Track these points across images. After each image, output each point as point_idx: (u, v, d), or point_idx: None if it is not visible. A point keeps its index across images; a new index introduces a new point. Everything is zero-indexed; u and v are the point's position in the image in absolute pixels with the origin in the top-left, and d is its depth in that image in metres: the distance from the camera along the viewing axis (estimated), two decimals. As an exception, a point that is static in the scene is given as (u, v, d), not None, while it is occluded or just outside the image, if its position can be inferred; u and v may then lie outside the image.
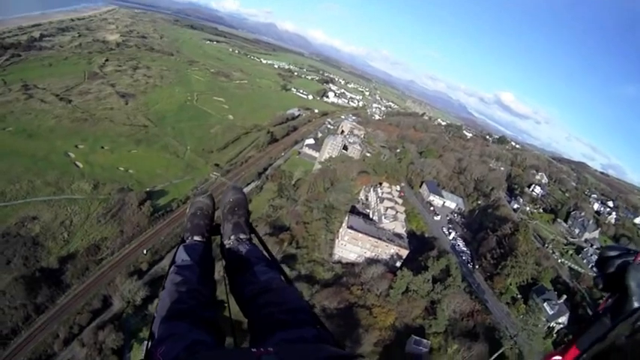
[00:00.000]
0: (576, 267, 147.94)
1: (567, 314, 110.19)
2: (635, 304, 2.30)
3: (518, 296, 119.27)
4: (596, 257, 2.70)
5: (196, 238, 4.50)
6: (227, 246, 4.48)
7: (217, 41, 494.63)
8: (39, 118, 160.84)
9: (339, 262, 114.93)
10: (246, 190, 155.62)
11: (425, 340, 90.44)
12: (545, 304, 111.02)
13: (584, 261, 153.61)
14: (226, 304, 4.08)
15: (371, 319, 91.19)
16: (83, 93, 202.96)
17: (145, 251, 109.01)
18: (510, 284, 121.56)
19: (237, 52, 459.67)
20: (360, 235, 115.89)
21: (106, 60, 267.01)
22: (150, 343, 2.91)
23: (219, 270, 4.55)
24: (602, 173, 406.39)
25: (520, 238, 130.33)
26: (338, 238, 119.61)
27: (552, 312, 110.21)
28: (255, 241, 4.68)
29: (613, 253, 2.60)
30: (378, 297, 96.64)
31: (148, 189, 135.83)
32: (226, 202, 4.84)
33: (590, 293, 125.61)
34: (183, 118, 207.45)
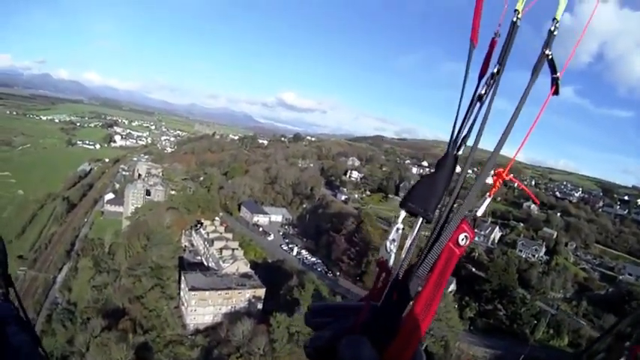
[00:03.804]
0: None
1: (454, 281, 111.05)
2: None
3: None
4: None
5: None
6: None
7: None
8: None
9: (197, 330, 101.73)
10: (60, 276, 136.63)
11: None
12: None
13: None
14: None
15: (272, 384, 79.68)
16: None
17: None
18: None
19: (15, 113, 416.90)
20: (207, 293, 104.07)
21: None
22: None
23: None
24: (399, 139, 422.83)
25: (369, 229, 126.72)
26: (184, 304, 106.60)
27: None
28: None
29: (319, 320, 2.11)
30: (263, 356, 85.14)
31: None
32: None
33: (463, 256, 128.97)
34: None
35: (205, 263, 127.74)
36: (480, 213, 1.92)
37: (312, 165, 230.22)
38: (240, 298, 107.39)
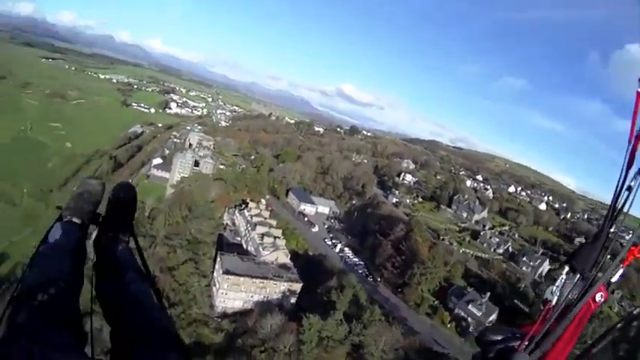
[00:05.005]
0: (480, 254, 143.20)
1: (496, 311, 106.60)
2: None
3: (436, 303, 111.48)
4: (476, 335, 2.90)
5: (75, 219, 3.31)
6: (103, 241, 3.40)
7: (53, 58, 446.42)
8: None
9: (225, 314, 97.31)
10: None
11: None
12: (470, 307, 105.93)
13: (485, 245, 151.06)
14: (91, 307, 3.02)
15: (290, 386, 74.68)
16: None
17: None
18: (423, 292, 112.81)
19: (73, 68, 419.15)
20: (241, 278, 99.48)
21: None
22: (5, 332, 2.22)
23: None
24: (454, 147, 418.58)
25: (418, 239, 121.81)
26: (215, 285, 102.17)
27: (480, 313, 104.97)
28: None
29: (495, 337, 2.72)
30: (288, 355, 79.93)
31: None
32: (115, 195, 3.58)
33: (507, 283, 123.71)
34: (16, 154, 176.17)
35: (244, 246, 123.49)
36: (614, 279, 2.56)
37: (366, 161, 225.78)
38: (275, 290, 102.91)
